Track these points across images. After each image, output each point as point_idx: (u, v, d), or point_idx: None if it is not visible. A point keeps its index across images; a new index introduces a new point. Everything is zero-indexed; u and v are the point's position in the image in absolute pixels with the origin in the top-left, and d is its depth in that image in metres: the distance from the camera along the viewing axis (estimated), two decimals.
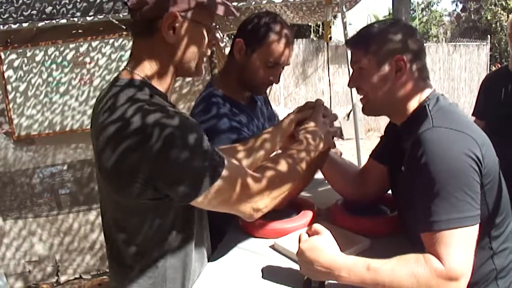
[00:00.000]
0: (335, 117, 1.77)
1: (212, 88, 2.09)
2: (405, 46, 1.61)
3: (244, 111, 2.10)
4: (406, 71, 1.59)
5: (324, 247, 1.42)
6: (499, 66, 15.19)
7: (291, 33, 2.07)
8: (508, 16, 19.57)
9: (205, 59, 1.55)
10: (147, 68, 1.44)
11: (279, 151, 1.71)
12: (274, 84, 2.16)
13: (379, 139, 2.00)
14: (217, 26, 4.26)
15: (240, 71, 2.06)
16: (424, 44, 1.68)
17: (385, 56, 1.61)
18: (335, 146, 1.78)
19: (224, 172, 1.33)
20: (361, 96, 1.73)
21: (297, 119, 1.77)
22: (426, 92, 1.63)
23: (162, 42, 1.41)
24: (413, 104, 1.63)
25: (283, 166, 1.49)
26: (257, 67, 2.03)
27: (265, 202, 1.43)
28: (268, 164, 1.50)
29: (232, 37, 2.17)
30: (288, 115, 1.81)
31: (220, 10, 1.46)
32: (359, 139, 4.64)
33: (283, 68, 2.12)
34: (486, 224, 1.48)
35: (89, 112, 4.13)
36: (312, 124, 1.69)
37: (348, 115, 12.12)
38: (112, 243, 1.52)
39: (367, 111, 1.74)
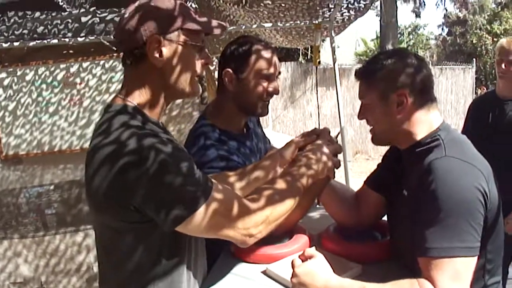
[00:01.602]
0: (339, 149, 1.77)
1: (202, 119, 2.11)
2: (409, 81, 1.63)
3: (234, 138, 2.09)
4: (408, 105, 1.62)
5: (319, 271, 1.44)
6: (485, 88, 15.41)
7: (269, 44, 2.11)
8: (493, 40, 19.86)
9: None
10: (139, 95, 1.44)
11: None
12: None
13: (366, 161, 2.03)
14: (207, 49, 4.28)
15: (238, 99, 2.06)
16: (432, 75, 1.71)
17: (387, 91, 1.64)
18: (334, 177, 1.77)
19: (214, 198, 1.33)
20: (370, 128, 1.77)
21: (300, 145, 1.77)
22: (436, 122, 1.66)
23: (152, 67, 1.41)
24: (421, 132, 1.65)
25: (280, 192, 1.48)
26: (253, 86, 2.03)
27: (259, 228, 1.41)
28: (264, 189, 1.48)
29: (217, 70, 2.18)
30: (291, 140, 1.81)
31: (207, 28, 1.47)
32: (347, 162, 4.66)
33: (277, 78, 2.11)
34: (482, 257, 1.51)
35: (78, 133, 4.11)
36: (314, 150, 1.67)
37: (336, 137, 12.17)
38: (100, 265, 1.52)
39: (375, 142, 1.79)
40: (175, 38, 1.41)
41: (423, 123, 1.65)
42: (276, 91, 2.09)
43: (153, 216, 1.31)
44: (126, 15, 1.42)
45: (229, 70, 2.04)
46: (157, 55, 1.40)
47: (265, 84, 2.04)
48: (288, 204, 1.49)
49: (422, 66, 1.68)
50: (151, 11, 1.40)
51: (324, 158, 1.66)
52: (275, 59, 2.07)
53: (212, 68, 4.76)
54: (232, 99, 2.07)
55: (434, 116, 1.68)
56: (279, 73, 2.12)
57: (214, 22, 1.49)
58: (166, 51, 1.41)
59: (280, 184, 1.51)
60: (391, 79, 1.64)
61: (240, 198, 1.42)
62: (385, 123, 1.68)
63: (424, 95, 1.66)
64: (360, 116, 1.77)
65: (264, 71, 2.03)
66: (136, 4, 1.43)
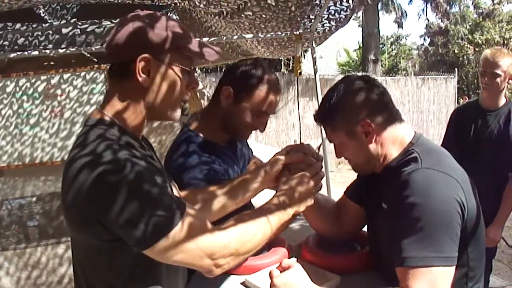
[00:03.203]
0: (323, 175, 1.76)
1: (186, 129, 2.10)
2: (366, 107, 1.66)
3: (219, 150, 2.09)
4: (375, 130, 1.64)
5: (297, 281, 1.45)
6: (467, 98, 15.55)
7: (278, 82, 2.09)
8: (474, 50, 20.06)
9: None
10: (120, 110, 1.41)
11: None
12: None
13: (349, 171, 2.05)
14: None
15: (226, 117, 2.06)
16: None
17: (351, 127, 1.67)
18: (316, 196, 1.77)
19: (183, 224, 1.29)
20: (350, 162, 1.81)
21: (285, 162, 1.77)
22: (408, 136, 1.69)
23: (137, 85, 1.38)
24: (394, 151, 1.68)
25: (254, 226, 1.45)
26: (245, 116, 2.02)
27: (227, 260, 1.37)
28: (238, 221, 1.45)
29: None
30: (276, 155, 1.80)
31: (199, 54, 1.43)
32: (329, 172, 4.68)
33: (269, 116, 2.12)
34: (464, 265, 1.52)
35: (60, 144, 4.09)
36: (299, 182, 1.64)
37: (318, 148, 12.20)
38: (77, 283, 1.50)
39: (358, 172, 1.85)
40: (165, 60, 1.39)
41: (394, 142, 1.68)
42: (262, 130, 2.11)
43: (121, 233, 1.27)
44: (118, 27, 1.39)
45: (230, 88, 2.02)
46: (144, 74, 1.36)
47: (256, 119, 2.05)
48: (260, 239, 1.46)
49: (371, 87, 1.70)
50: (145, 28, 1.36)
51: (308, 192, 1.64)
52: (278, 100, 2.08)
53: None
54: (221, 113, 2.06)
55: (404, 131, 1.70)
56: (275, 112, 2.12)
57: (208, 49, 1.45)
58: (154, 71, 1.38)
59: (256, 218, 1.48)
60: (349, 114, 1.67)
61: (210, 228, 1.38)
62: (361, 155, 1.71)
63: (385, 113, 1.68)
64: (338, 155, 1.80)
65: (262, 108, 2.03)
66: (130, 17, 1.40)
